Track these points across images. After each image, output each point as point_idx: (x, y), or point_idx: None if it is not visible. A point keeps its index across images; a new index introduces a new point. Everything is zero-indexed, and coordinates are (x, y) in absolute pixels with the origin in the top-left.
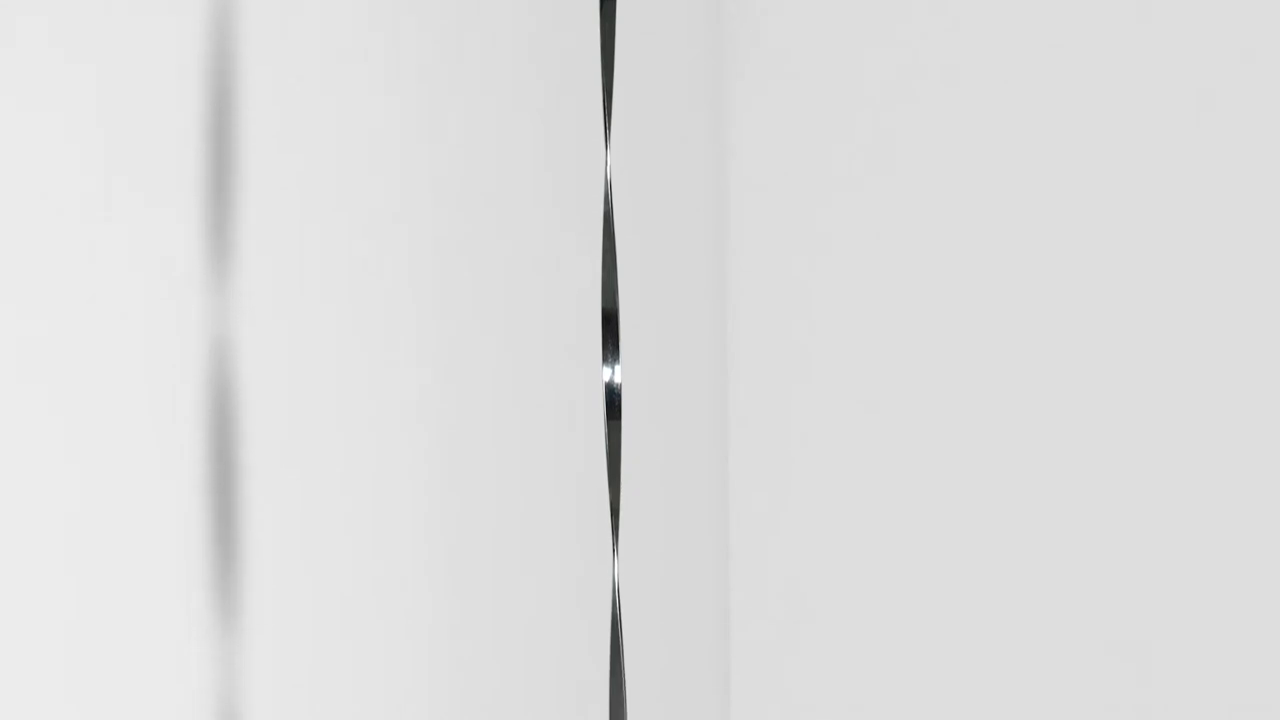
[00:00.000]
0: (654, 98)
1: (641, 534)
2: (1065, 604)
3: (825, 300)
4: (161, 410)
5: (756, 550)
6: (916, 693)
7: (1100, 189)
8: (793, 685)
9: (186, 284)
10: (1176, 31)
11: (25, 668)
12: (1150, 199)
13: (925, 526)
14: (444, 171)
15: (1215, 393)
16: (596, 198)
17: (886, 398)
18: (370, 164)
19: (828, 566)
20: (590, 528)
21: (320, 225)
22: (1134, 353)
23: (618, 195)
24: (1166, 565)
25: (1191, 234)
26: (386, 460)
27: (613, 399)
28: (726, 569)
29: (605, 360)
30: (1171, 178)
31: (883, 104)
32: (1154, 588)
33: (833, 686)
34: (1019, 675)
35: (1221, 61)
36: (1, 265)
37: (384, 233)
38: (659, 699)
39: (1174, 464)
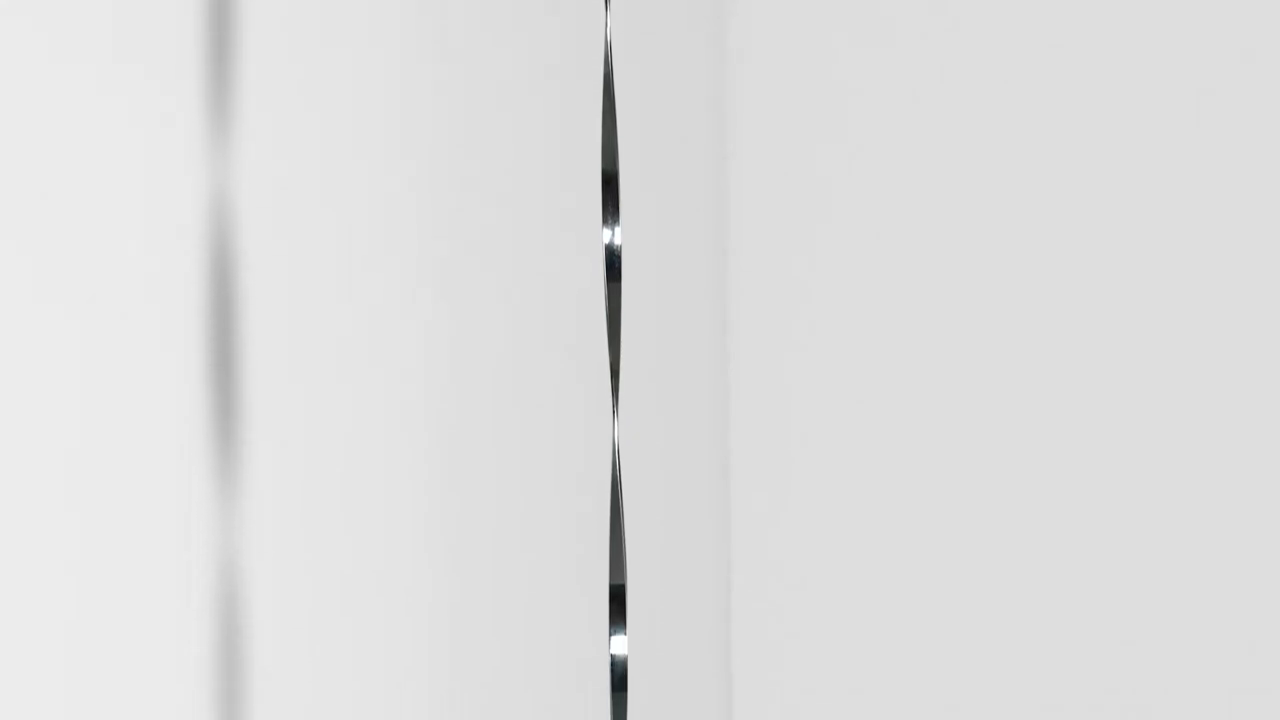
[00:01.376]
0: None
1: (640, 394)
2: (1068, 604)
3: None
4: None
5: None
6: (919, 649)
7: (1098, 190)
8: (786, 562)
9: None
10: (1175, 32)
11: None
12: (1149, 200)
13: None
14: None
15: (1214, 391)
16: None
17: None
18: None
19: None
20: (591, 389)
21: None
22: (1133, 352)
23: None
24: (1165, 557)
25: (1191, 233)
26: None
27: (613, 261)
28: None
29: (605, 223)
30: (1170, 178)
31: (884, 101)
32: (1152, 580)
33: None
34: (1019, 672)
35: (1218, 62)
36: None
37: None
38: (659, 554)
39: (1172, 461)
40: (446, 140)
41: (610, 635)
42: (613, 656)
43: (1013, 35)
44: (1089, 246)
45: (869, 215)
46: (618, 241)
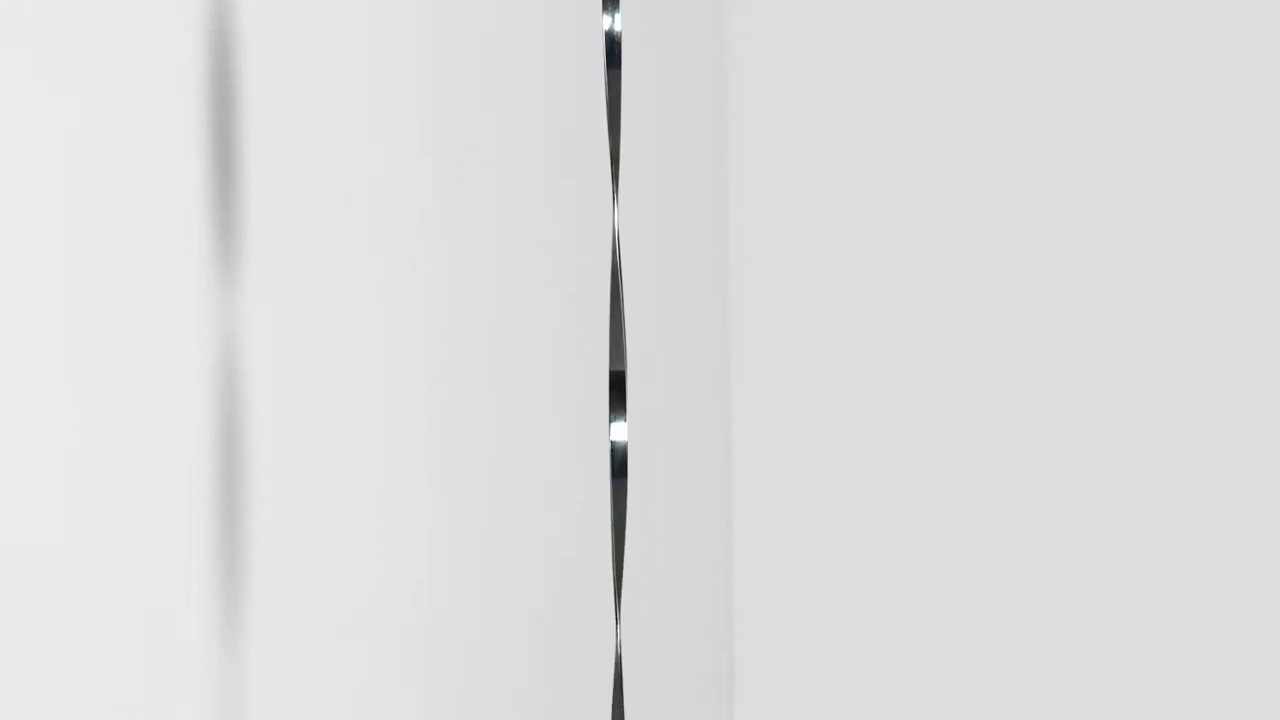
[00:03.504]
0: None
1: (640, 182)
2: (1072, 611)
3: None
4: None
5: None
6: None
7: (1097, 191)
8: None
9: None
10: (1172, 34)
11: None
12: (1147, 201)
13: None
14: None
15: (1216, 390)
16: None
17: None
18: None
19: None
20: (589, 174)
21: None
22: (1133, 352)
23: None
24: (1166, 558)
25: (1191, 232)
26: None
27: (613, 47)
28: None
29: (605, 9)
30: (1169, 178)
31: (886, 100)
32: (1152, 581)
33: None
34: (1019, 671)
35: (1215, 64)
36: None
37: None
38: (657, 341)
39: (1172, 459)
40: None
41: (610, 422)
42: (613, 443)
43: (1011, 38)
44: (1086, 247)
45: (864, 209)
46: (618, 27)
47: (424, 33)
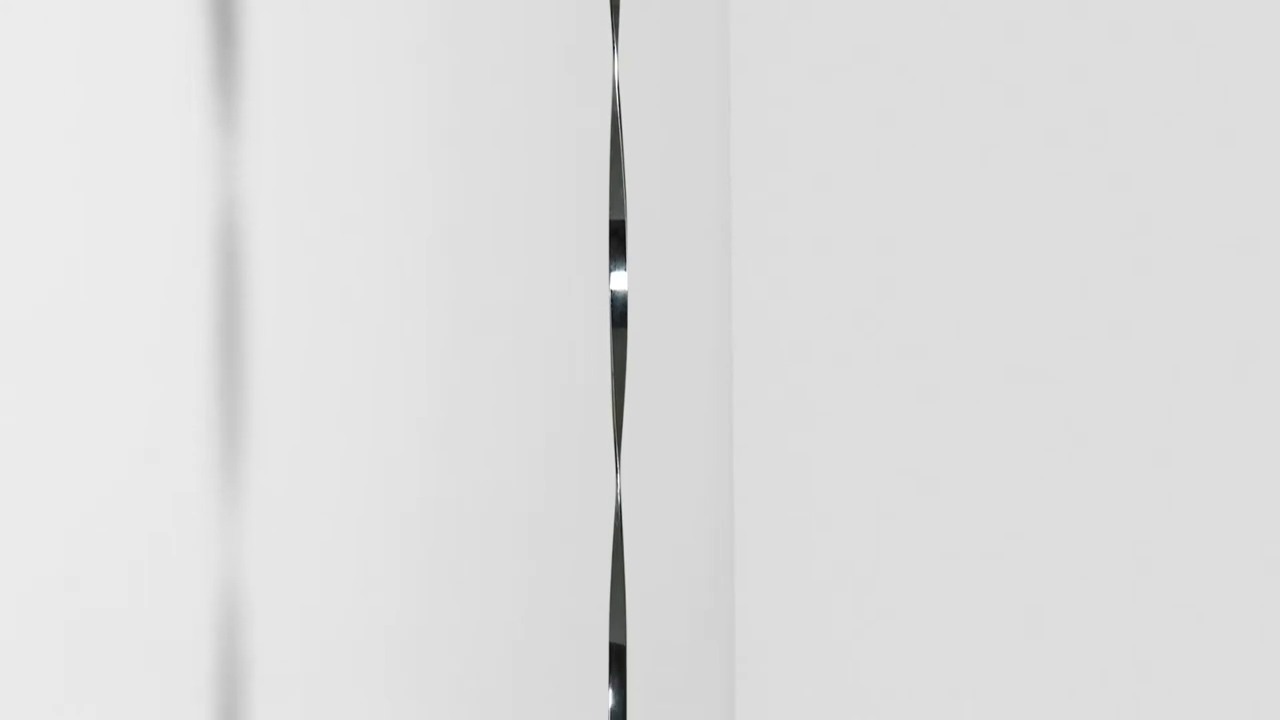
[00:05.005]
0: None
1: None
2: (1072, 611)
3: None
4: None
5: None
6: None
7: (1093, 193)
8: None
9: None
10: (1172, 36)
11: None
12: (1146, 202)
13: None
14: None
15: (1216, 390)
16: None
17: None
18: None
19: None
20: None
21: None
22: (1132, 352)
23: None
24: (1167, 559)
25: (1192, 231)
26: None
27: None
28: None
29: None
30: (1168, 179)
31: (888, 97)
32: (1152, 580)
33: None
34: (1019, 671)
35: (1212, 70)
36: None
37: None
38: (658, 194)
39: (1171, 460)
40: None
41: (610, 271)
42: (613, 292)
43: (1009, 41)
44: (1084, 248)
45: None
46: None
47: None
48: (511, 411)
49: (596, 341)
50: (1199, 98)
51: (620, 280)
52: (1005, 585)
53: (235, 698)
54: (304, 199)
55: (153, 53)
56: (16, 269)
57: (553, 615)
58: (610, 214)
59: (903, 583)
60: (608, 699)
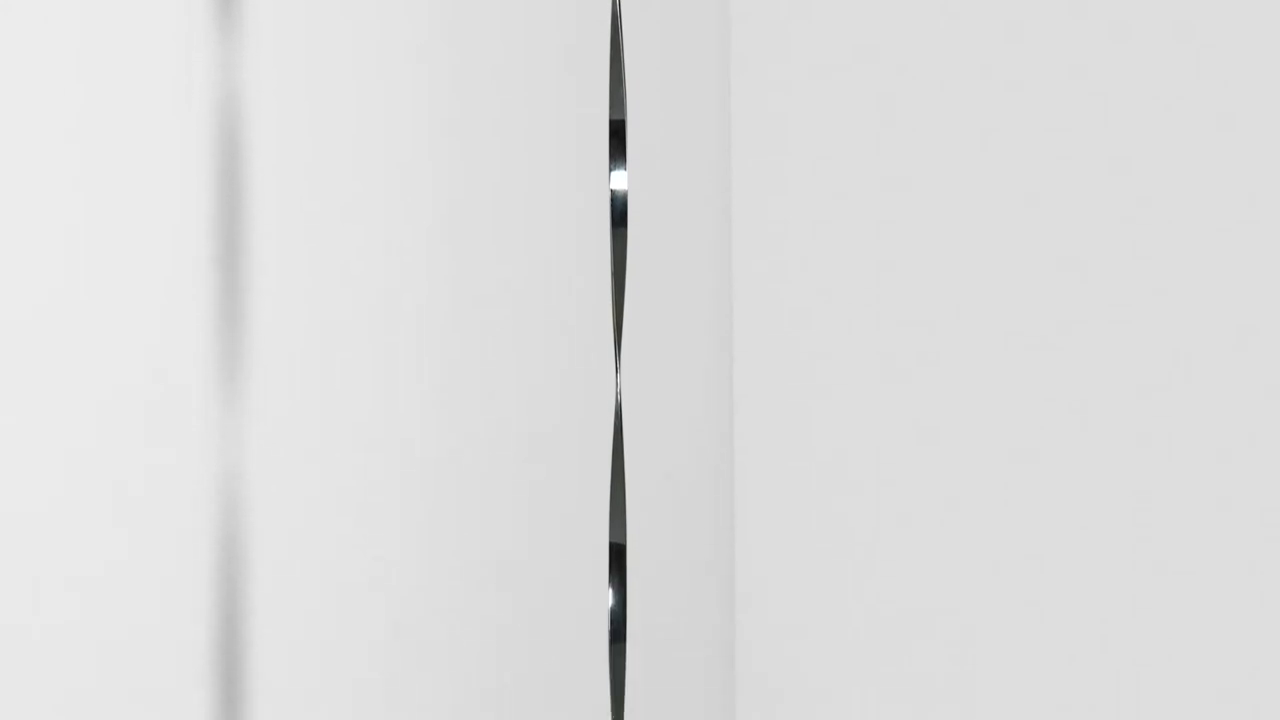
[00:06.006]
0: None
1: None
2: (1072, 611)
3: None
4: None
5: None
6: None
7: (1092, 191)
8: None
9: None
10: (1168, 38)
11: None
12: (1145, 202)
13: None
14: None
15: (1217, 390)
16: None
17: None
18: None
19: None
20: None
21: None
22: (1131, 351)
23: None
24: (1169, 559)
25: (1193, 231)
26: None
27: None
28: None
29: None
30: (1168, 180)
31: (889, 99)
32: (1153, 580)
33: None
34: (1019, 671)
35: (1208, 74)
36: None
37: None
38: (658, 91)
39: (1171, 460)
40: None
41: (610, 171)
42: (613, 192)
43: (1008, 43)
44: (1082, 250)
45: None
46: None
47: None
48: (512, 312)
49: (596, 241)
50: (1200, 106)
51: (620, 180)
52: (1009, 585)
53: (235, 591)
54: (303, 92)
55: None
56: (17, 166)
57: (553, 515)
58: (610, 114)
59: (901, 481)
60: (608, 599)
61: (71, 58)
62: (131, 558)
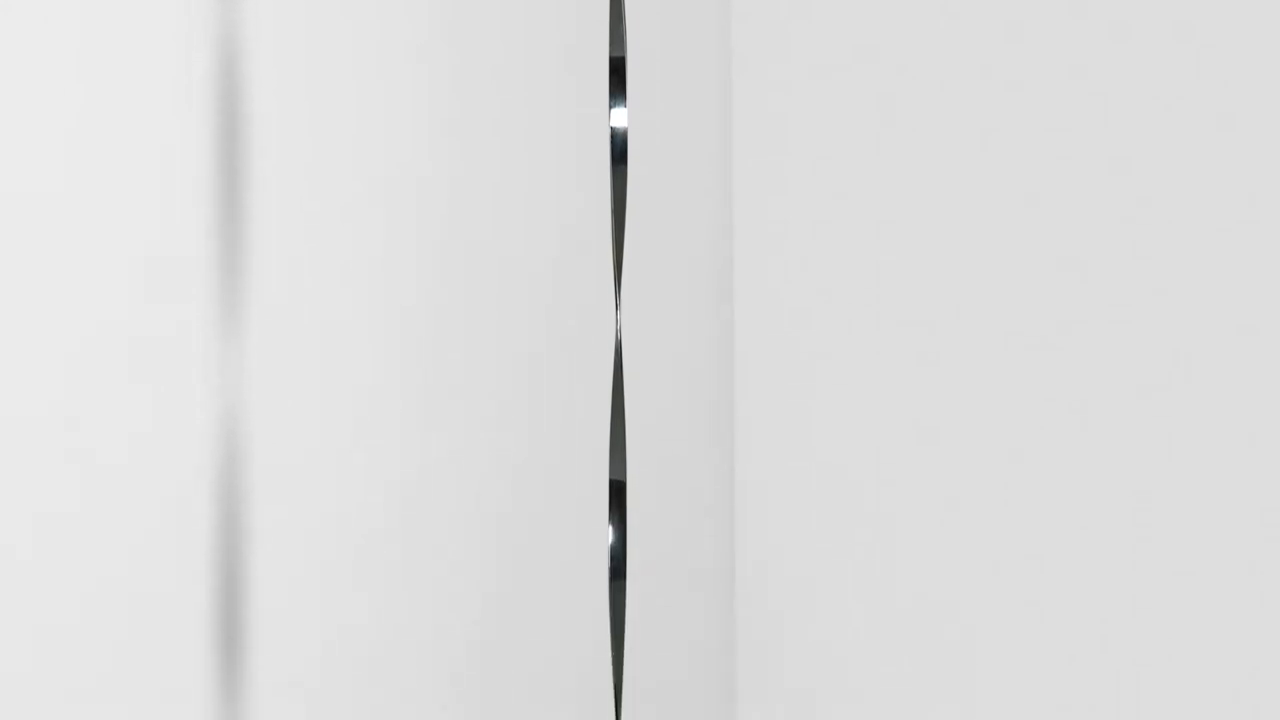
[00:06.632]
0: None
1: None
2: (1072, 612)
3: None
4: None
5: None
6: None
7: (1091, 189)
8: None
9: None
10: (1168, 38)
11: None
12: (1144, 201)
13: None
14: None
15: (1219, 390)
16: None
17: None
18: None
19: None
20: None
21: None
22: (1131, 349)
23: None
24: (1171, 558)
25: (1193, 231)
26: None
27: None
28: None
29: None
30: (1168, 181)
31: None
32: (1153, 580)
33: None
34: (1020, 670)
35: (1204, 76)
36: None
37: None
38: (659, 33)
39: (1171, 461)
40: None
41: (610, 108)
42: (613, 129)
43: (1007, 45)
44: (1080, 250)
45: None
46: None
47: None
48: (513, 248)
49: (597, 178)
50: (1200, 106)
51: (620, 117)
52: (1010, 585)
53: (235, 511)
54: (303, 36)
55: None
56: (20, 86)
57: (553, 451)
58: (610, 50)
59: (899, 407)
60: (608, 535)
61: None
62: (132, 492)
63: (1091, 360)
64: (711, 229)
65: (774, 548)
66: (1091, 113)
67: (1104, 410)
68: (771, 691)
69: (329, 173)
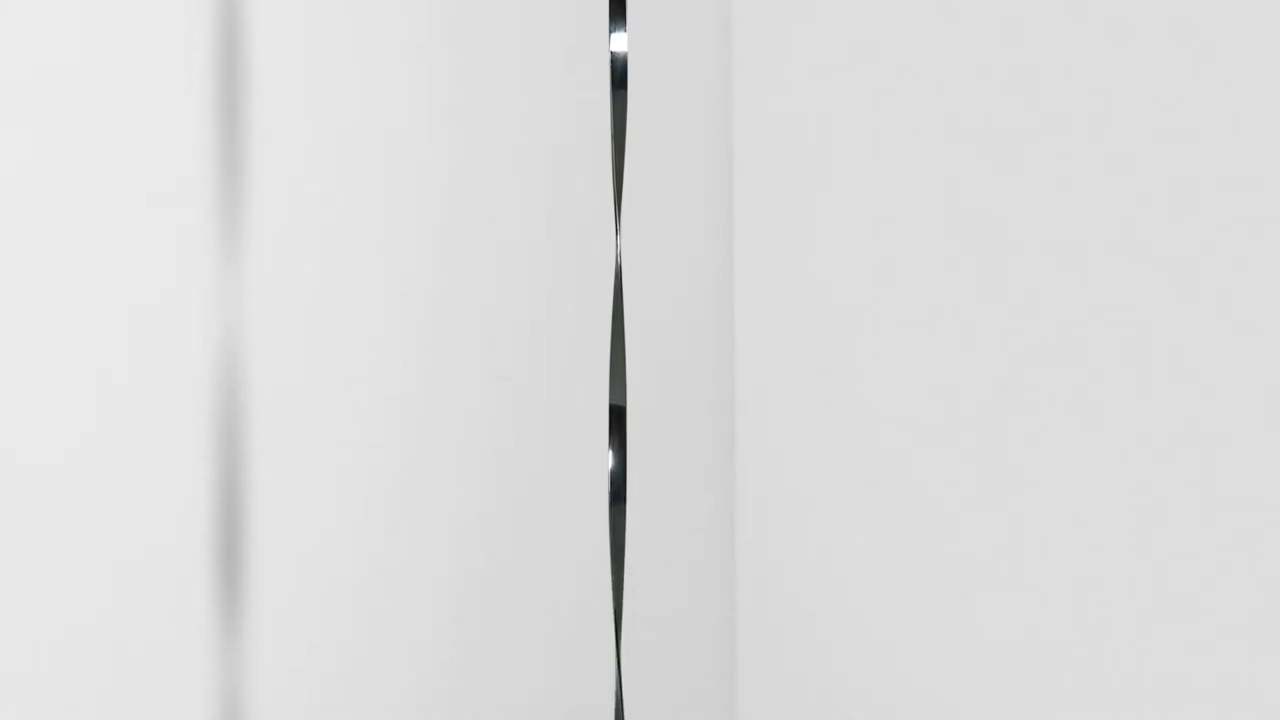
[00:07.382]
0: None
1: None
2: (1072, 612)
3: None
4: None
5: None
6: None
7: (1090, 189)
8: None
9: None
10: (1168, 38)
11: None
12: (1143, 200)
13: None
14: None
15: (1219, 391)
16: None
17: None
18: None
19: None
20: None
21: None
22: (1131, 348)
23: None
24: (1172, 558)
25: (1193, 232)
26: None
27: None
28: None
29: None
30: (1168, 181)
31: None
32: (1153, 579)
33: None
34: (1020, 670)
35: (1200, 79)
36: None
37: None
38: (660, 13)
39: (1170, 461)
40: None
41: (610, 32)
42: (613, 54)
43: (1005, 45)
44: (1079, 248)
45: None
46: None
47: None
48: (513, 173)
49: (596, 104)
50: (1200, 106)
51: (620, 42)
52: (1012, 585)
53: (235, 448)
54: None
55: None
56: (23, 29)
57: (554, 377)
58: None
59: (898, 363)
60: (608, 460)
61: None
62: (130, 412)
63: (1092, 360)
64: (710, 152)
65: (773, 472)
66: (1092, 113)
67: (1104, 410)
68: (772, 615)
69: (326, 97)
